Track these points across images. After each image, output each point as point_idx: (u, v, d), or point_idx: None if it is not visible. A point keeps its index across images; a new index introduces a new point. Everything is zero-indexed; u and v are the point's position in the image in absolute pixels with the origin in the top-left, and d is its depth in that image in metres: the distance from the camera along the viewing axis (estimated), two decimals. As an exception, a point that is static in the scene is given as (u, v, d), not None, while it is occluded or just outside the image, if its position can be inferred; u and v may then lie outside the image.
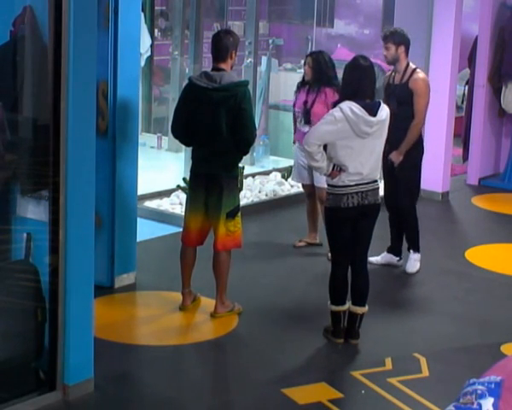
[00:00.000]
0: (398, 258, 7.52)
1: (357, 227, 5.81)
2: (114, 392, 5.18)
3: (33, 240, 5.00)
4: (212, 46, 6.13)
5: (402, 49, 7.20)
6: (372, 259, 7.28)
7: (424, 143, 7.49)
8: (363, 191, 5.74)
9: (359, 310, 5.91)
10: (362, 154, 5.69)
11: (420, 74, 7.23)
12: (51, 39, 4.73)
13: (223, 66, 6.07)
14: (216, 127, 5.98)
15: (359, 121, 5.61)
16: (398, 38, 7.21)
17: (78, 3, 4.67)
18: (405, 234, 7.48)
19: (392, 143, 7.24)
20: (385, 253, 7.53)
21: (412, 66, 7.28)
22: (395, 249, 7.53)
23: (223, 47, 6.07)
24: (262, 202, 9.18)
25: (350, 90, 5.72)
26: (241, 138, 6.00)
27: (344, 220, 5.78)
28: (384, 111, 5.76)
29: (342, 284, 5.90)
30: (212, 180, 6.09)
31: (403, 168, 7.20)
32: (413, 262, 7.42)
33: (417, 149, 7.27)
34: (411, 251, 7.44)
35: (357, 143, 5.67)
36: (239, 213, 6.20)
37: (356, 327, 5.93)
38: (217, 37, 6.16)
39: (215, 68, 6.08)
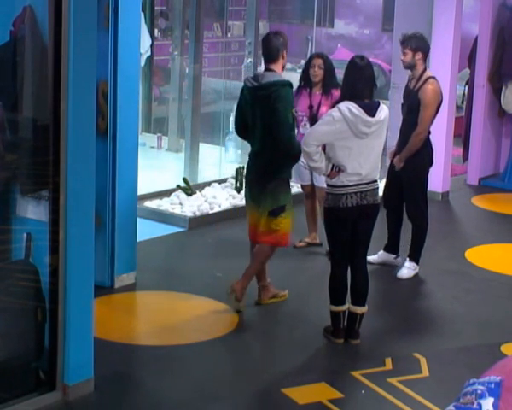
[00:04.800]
0: (394, 256, 7.48)
1: (357, 227, 5.81)
2: (114, 392, 5.18)
3: (33, 240, 5.00)
4: (263, 48, 6.28)
5: (419, 55, 7.08)
6: (369, 258, 7.26)
7: (434, 155, 7.37)
8: (363, 191, 5.74)
9: (359, 310, 5.91)
10: (360, 154, 5.70)
11: (431, 85, 7.09)
12: (51, 39, 4.73)
13: (273, 67, 6.24)
14: (254, 126, 6.14)
15: (357, 121, 5.62)
16: (415, 44, 7.10)
17: (78, 3, 4.67)
18: (411, 240, 7.39)
19: (398, 148, 7.25)
20: (382, 251, 7.49)
21: (428, 74, 7.16)
22: (392, 247, 7.48)
23: (274, 48, 6.22)
24: (262, 202, 9.16)
25: (348, 91, 5.73)
26: (276, 138, 6.07)
27: (343, 220, 5.78)
28: (383, 111, 5.75)
29: (342, 284, 5.91)
30: (257, 178, 6.23)
31: (406, 173, 7.17)
32: (406, 269, 7.31)
33: (421, 156, 7.17)
34: (408, 259, 7.36)
35: (356, 144, 5.67)
36: (284, 214, 6.20)
37: (356, 327, 5.93)
38: (267, 39, 6.29)
39: (267, 69, 6.27)
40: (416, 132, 7.09)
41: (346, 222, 5.78)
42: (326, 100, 7.40)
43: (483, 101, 10.71)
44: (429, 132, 7.24)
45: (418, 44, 7.13)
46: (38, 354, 5.01)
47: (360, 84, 5.69)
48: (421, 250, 7.38)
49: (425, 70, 7.18)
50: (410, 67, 7.17)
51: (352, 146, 5.67)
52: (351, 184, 5.72)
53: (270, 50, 6.22)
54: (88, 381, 5.03)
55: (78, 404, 4.93)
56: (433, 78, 7.23)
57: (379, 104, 5.76)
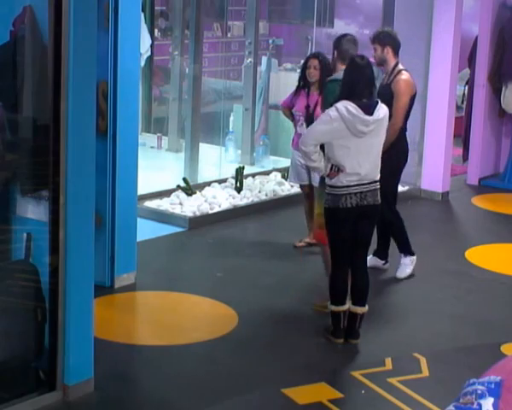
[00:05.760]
0: (383, 262, 7.40)
1: (358, 228, 5.80)
2: (114, 392, 5.18)
3: (33, 240, 5.00)
4: (346, 50, 6.46)
5: (388, 50, 7.06)
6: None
7: (408, 152, 7.23)
8: (363, 192, 5.73)
9: (359, 310, 5.90)
10: (359, 153, 5.69)
11: (403, 76, 7.05)
12: (51, 39, 4.73)
13: None
14: None
15: (355, 120, 5.61)
16: (383, 39, 7.10)
17: (78, 3, 4.67)
18: (393, 238, 7.35)
19: None
20: (371, 256, 7.33)
21: (400, 67, 7.13)
22: (381, 253, 7.41)
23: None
24: (262, 201, 9.18)
25: (346, 90, 5.73)
26: None
27: (343, 221, 5.77)
28: (381, 110, 5.75)
29: (342, 285, 5.90)
30: None
31: (381, 170, 7.10)
32: (403, 267, 7.27)
33: (397, 153, 7.08)
34: (402, 255, 7.31)
35: (354, 143, 5.67)
36: None
37: (356, 327, 5.93)
38: (351, 42, 6.61)
39: None
40: (391, 123, 7.00)
41: (346, 222, 5.78)
42: (321, 99, 7.40)
43: (483, 101, 10.71)
44: (405, 129, 7.18)
45: (386, 39, 7.12)
46: (38, 354, 5.01)
47: (359, 84, 5.69)
48: (408, 242, 7.27)
49: (397, 64, 7.16)
50: (382, 62, 7.17)
51: (350, 145, 5.67)
52: (351, 184, 5.71)
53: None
54: (88, 381, 5.03)
55: (78, 404, 4.93)
56: (406, 70, 7.21)
57: (377, 103, 5.77)
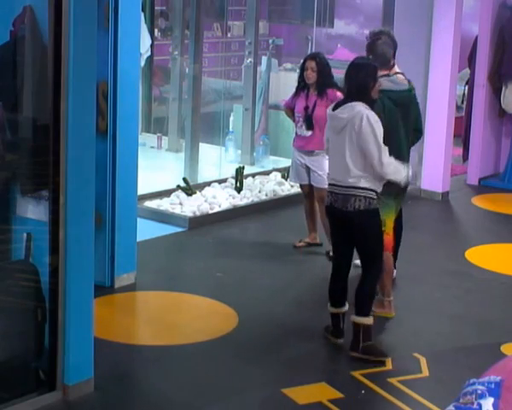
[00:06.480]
0: None
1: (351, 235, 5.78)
2: (114, 392, 5.18)
3: (33, 240, 5.00)
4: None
5: None
6: (357, 262, 7.13)
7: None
8: (336, 193, 5.65)
9: (352, 317, 5.72)
10: (332, 151, 5.79)
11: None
12: (51, 39, 4.73)
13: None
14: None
15: (327, 117, 5.80)
16: None
17: (78, 3, 4.67)
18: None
19: None
20: None
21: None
22: None
23: None
24: (262, 201, 9.18)
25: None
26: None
27: (330, 219, 5.85)
28: (348, 110, 5.56)
29: (339, 286, 5.85)
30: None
31: None
32: None
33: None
34: None
35: (333, 139, 5.75)
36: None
37: (353, 336, 5.70)
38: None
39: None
40: None
41: (333, 221, 5.81)
42: (321, 101, 7.38)
43: (483, 101, 10.71)
44: None
45: None
46: (38, 354, 5.02)
47: (346, 83, 5.73)
48: (397, 254, 7.03)
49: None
50: None
51: (330, 141, 5.79)
52: (329, 182, 5.82)
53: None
54: (88, 381, 5.03)
55: (78, 404, 4.93)
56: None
57: (347, 102, 5.61)
